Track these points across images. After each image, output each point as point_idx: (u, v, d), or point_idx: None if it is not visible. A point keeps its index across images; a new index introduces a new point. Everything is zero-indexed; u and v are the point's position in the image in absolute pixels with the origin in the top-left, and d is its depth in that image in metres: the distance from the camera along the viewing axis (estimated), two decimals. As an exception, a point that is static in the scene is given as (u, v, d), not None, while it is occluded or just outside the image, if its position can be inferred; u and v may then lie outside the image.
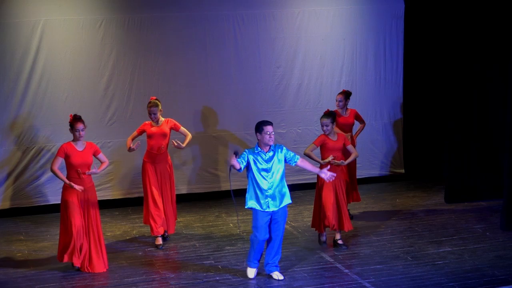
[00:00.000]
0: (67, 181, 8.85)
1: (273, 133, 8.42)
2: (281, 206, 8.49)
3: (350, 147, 9.74)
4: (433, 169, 13.15)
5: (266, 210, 8.44)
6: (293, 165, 8.61)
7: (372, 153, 12.99)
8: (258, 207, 8.44)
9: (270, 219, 8.52)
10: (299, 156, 8.63)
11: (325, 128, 9.53)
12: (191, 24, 11.96)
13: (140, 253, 9.76)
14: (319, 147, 9.64)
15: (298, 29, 12.45)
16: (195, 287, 8.49)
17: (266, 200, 8.41)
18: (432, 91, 13.01)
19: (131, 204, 11.86)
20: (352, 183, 10.89)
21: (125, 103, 11.88)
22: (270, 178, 8.41)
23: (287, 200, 8.54)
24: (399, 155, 13.25)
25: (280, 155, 8.46)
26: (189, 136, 10.24)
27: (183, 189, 12.11)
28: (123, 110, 11.87)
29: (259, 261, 8.72)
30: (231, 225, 10.93)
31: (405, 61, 12.99)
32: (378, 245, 9.79)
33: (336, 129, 10.03)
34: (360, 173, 12.20)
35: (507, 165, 10.21)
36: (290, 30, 12.43)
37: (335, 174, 8.75)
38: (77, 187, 8.81)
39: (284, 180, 8.55)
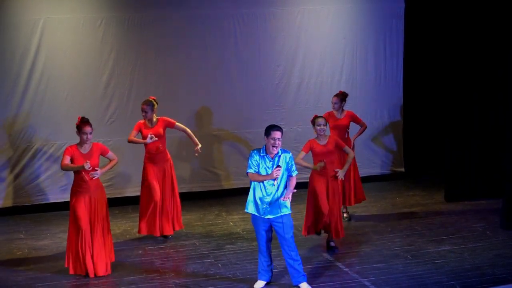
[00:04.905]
0: (78, 166, 8.50)
1: (279, 139, 7.94)
2: (277, 215, 8.10)
3: (346, 148, 9.49)
4: (433, 168, 13.14)
5: (264, 217, 8.11)
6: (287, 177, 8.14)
7: (372, 151, 12.99)
8: (256, 213, 8.14)
9: (270, 227, 8.20)
10: (297, 172, 8.19)
11: (320, 128, 9.23)
12: (191, 23, 11.96)
13: (140, 252, 9.76)
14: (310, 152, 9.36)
15: (299, 28, 12.45)
16: (195, 286, 8.50)
17: (264, 206, 8.08)
18: (432, 90, 13.01)
19: (131, 203, 11.84)
20: (351, 184, 10.77)
21: (125, 102, 11.88)
22: (271, 185, 8.08)
23: (286, 210, 8.13)
24: (399, 154, 13.25)
25: (284, 163, 8.05)
26: (189, 131, 10.24)
27: (183, 188, 12.07)
28: (123, 108, 11.87)
29: (269, 274, 8.33)
30: (231, 223, 10.93)
31: (405, 60, 12.98)
32: (378, 243, 9.79)
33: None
34: (360, 172, 12.14)
35: (508, 164, 10.21)
36: (290, 29, 12.43)
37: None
38: (86, 165, 8.45)
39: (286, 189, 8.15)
